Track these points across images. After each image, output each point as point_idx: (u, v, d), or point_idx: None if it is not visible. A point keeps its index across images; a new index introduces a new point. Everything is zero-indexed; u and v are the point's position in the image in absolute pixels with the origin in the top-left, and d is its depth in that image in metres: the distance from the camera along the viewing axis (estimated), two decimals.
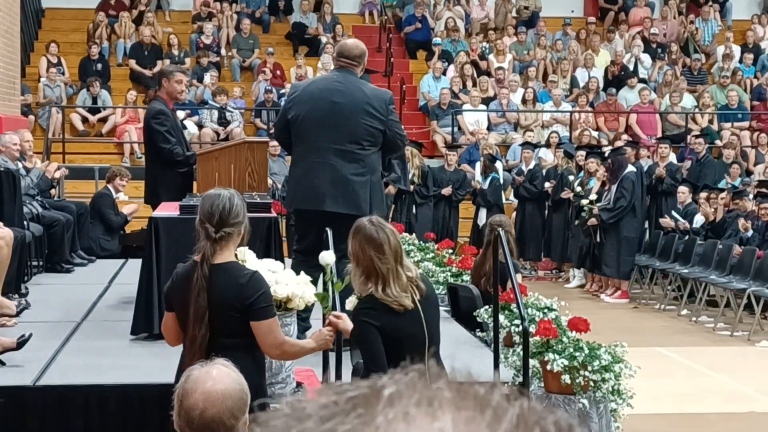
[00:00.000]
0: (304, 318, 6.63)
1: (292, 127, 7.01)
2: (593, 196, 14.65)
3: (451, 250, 10.96)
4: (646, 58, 20.67)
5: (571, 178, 15.74)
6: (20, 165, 10.73)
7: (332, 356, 5.86)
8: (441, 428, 0.73)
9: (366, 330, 4.61)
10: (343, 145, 6.83)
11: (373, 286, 4.56)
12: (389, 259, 4.52)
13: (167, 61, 19.17)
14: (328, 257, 5.17)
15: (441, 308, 5.23)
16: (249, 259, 4.96)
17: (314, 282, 5.64)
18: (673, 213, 14.72)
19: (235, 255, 4.51)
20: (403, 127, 7.10)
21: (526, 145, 17.15)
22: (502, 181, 16.22)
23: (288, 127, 7.07)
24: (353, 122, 6.84)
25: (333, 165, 6.82)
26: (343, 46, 7.37)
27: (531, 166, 16.53)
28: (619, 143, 16.42)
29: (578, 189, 15.14)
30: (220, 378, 3.09)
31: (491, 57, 20.47)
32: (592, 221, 14.46)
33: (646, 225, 15.50)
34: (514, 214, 16.38)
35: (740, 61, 20.56)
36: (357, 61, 7.14)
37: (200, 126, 17.98)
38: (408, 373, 0.78)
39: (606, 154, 15.23)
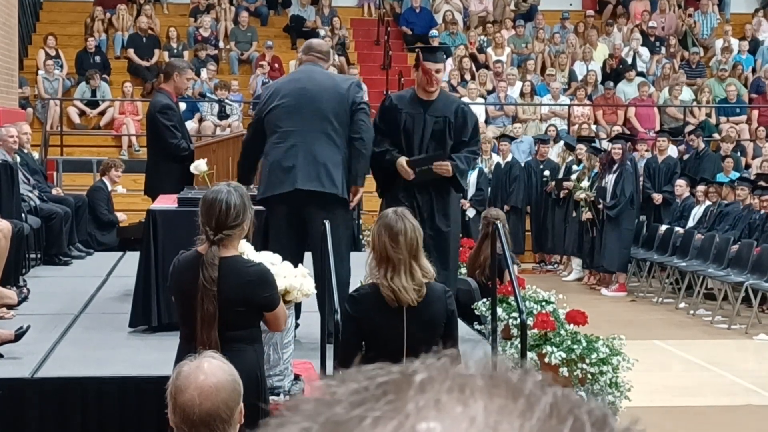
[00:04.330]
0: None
1: (265, 122, 7.00)
2: (584, 184, 14.72)
3: None
4: (644, 52, 20.66)
5: (558, 169, 15.79)
6: (18, 158, 10.74)
7: (330, 348, 5.87)
8: (473, 416, 0.71)
9: (344, 318, 4.78)
10: (313, 127, 6.86)
11: (382, 273, 4.55)
12: (402, 250, 4.50)
13: (165, 53, 19.18)
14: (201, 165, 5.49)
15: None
16: (247, 251, 4.96)
17: None
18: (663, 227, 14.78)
19: None
20: (369, 112, 7.15)
21: (503, 137, 17.04)
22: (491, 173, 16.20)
23: (261, 126, 7.05)
24: (322, 105, 6.88)
25: (304, 147, 6.82)
26: (310, 42, 7.49)
27: (509, 159, 16.47)
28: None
29: (573, 181, 15.17)
30: (211, 371, 3.09)
31: (489, 50, 20.45)
32: (588, 215, 14.48)
33: (644, 218, 15.53)
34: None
35: (739, 53, 20.54)
36: (324, 56, 7.25)
37: (200, 119, 17.98)
38: (440, 359, 0.77)
39: (609, 141, 15.34)
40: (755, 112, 19.30)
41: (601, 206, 14.36)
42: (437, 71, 7.22)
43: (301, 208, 6.85)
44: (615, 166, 14.35)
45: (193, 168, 6.53)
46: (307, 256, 6.95)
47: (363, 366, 0.77)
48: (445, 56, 7.68)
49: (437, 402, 0.72)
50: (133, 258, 8.57)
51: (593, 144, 16.11)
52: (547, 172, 16.20)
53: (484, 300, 7.75)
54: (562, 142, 16.92)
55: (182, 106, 14.37)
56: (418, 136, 7.21)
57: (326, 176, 6.81)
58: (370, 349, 4.60)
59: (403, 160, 7.09)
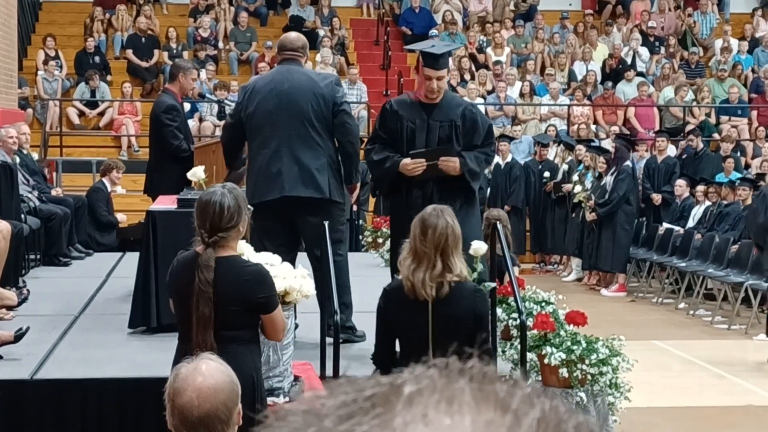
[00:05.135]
0: None
1: (246, 126, 6.89)
2: (578, 188, 14.75)
3: None
4: (644, 52, 20.65)
5: (563, 169, 15.78)
6: (17, 159, 10.73)
7: (329, 349, 5.87)
8: (460, 431, 0.72)
9: (377, 312, 4.84)
10: (296, 131, 6.76)
11: (407, 265, 4.61)
12: (429, 245, 4.55)
13: (165, 54, 19.19)
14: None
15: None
16: (246, 252, 4.96)
17: None
18: (666, 225, 14.75)
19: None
20: (351, 109, 7.01)
21: (502, 138, 17.01)
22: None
23: (239, 129, 6.93)
24: (302, 107, 6.77)
25: (289, 152, 6.75)
26: (285, 39, 7.22)
27: (508, 159, 16.47)
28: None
29: (575, 181, 15.20)
30: (209, 373, 3.09)
31: (489, 50, 20.45)
32: (592, 216, 14.48)
33: (644, 219, 15.53)
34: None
35: (739, 52, 20.53)
36: (301, 52, 7.06)
37: (200, 119, 17.98)
38: (429, 369, 0.77)
39: (612, 140, 15.35)
40: (754, 112, 19.30)
41: (591, 203, 14.40)
42: (439, 78, 6.61)
43: (290, 213, 6.77)
44: (614, 167, 14.37)
45: (190, 175, 6.52)
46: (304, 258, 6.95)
47: (352, 377, 0.77)
48: (449, 57, 7.38)
49: (425, 416, 0.72)
50: (132, 259, 8.56)
51: (592, 143, 16.10)
52: (547, 174, 16.20)
53: None
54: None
55: (186, 106, 14.39)
56: (421, 143, 6.65)
57: (312, 181, 6.74)
58: (401, 343, 4.64)
59: (406, 160, 6.56)
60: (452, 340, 4.51)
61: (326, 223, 6.39)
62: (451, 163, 6.52)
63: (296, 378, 5.79)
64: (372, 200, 15.51)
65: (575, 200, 15.10)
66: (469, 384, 0.75)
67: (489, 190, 16.04)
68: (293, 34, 7.45)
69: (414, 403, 0.73)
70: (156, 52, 19.45)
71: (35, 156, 13.41)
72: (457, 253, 4.65)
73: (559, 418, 0.74)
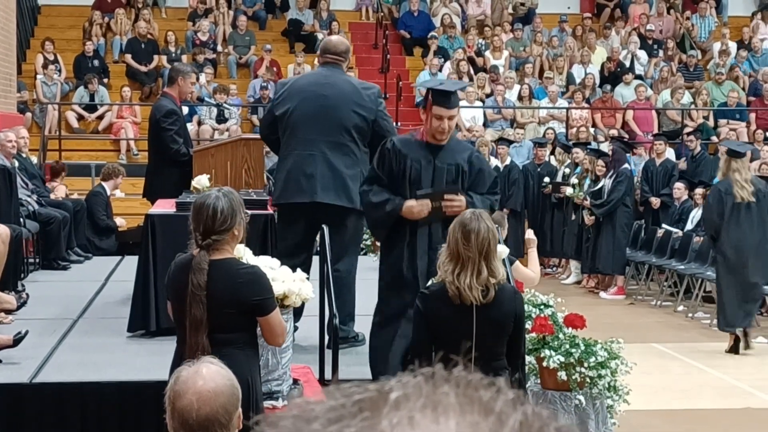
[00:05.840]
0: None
1: (280, 123, 6.92)
2: (570, 191, 14.79)
3: None
4: (642, 55, 20.68)
5: (563, 172, 15.79)
6: (16, 162, 10.74)
7: (328, 353, 5.87)
8: None
9: (416, 313, 4.85)
10: (333, 138, 6.79)
11: (450, 270, 4.64)
12: (473, 249, 4.60)
13: (164, 58, 19.20)
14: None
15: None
16: (246, 256, 4.97)
17: None
18: (665, 227, 14.75)
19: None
20: (392, 121, 7.02)
21: (501, 141, 17.03)
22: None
23: (275, 123, 6.97)
24: (343, 115, 6.79)
25: (323, 157, 6.78)
26: (328, 42, 7.27)
27: (507, 162, 16.48)
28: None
29: (572, 183, 15.22)
30: (210, 376, 3.09)
31: (488, 53, 20.48)
32: (591, 220, 14.49)
33: (642, 221, 15.54)
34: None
35: (736, 57, 20.55)
36: (343, 56, 7.09)
37: (199, 123, 17.99)
38: (416, 376, 0.79)
39: (609, 143, 15.36)
40: (753, 115, 19.32)
41: (587, 203, 14.43)
42: (450, 117, 5.99)
43: (317, 216, 6.80)
44: (611, 171, 14.39)
45: (195, 182, 6.57)
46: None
47: (341, 383, 0.79)
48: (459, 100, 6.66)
49: (411, 419, 0.74)
50: (131, 262, 8.57)
51: (590, 146, 16.12)
52: (546, 179, 16.21)
53: None
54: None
55: (185, 110, 14.40)
56: (427, 185, 6.07)
57: (345, 190, 6.78)
58: (439, 347, 4.66)
59: (411, 202, 5.93)
60: (495, 341, 4.65)
61: (325, 227, 6.40)
62: (457, 203, 5.92)
63: (295, 381, 5.80)
64: None
65: (577, 199, 15.06)
66: (454, 390, 0.77)
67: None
68: (336, 38, 7.53)
69: (401, 407, 0.75)
70: (155, 56, 19.46)
71: (34, 160, 13.42)
72: (497, 257, 4.73)
73: (542, 421, 0.76)
